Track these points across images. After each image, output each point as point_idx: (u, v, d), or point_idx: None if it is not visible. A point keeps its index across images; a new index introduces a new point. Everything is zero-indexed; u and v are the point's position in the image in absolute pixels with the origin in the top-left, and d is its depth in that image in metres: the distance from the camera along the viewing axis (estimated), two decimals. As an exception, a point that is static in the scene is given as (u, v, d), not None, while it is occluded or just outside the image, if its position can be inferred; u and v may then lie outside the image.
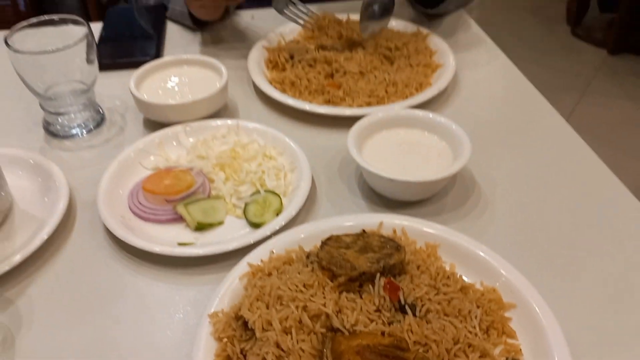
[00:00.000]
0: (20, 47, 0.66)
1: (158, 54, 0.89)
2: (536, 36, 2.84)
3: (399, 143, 0.66)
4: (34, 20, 0.70)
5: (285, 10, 0.88)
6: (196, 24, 0.95)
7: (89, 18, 2.55)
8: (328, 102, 0.77)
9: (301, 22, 0.88)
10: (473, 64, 0.87)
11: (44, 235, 0.57)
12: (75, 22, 0.72)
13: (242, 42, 0.93)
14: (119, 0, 2.66)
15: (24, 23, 0.69)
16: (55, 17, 0.71)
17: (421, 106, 0.73)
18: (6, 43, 0.66)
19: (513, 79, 0.85)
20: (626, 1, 2.47)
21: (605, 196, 0.64)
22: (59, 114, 0.72)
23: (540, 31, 2.88)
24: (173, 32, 0.97)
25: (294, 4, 0.88)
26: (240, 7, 1.01)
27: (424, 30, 0.89)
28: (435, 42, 0.87)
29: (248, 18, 1.00)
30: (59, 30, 0.72)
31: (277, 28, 0.92)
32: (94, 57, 0.71)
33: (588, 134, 2.25)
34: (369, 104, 0.75)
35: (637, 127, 2.21)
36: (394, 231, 0.56)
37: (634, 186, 0.67)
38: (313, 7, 0.92)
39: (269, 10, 1.00)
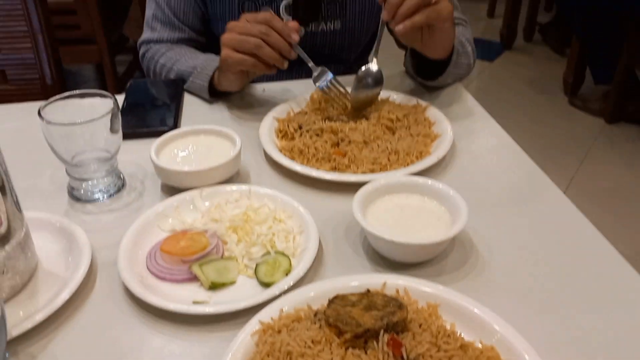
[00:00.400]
0: (52, 119, 0.72)
1: (176, 124, 0.95)
2: (534, 106, 2.94)
3: (400, 208, 0.70)
4: (66, 94, 0.76)
5: (323, 87, 0.94)
6: (212, 96, 1.02)
7: (105, 89, 2.67)
8: (334, 169, 0.82)
9: (336, 99, 0.94)
10: (469, 133, 0.92)
11: (65, 295, 0.60)
12: (101, 95, 0.78)
13: (253, 113, 0.99)
14: (133, 72, 2.80)
15: (58, 97, 0.75)
16: (84, 91, 0.78)
17: (421, 173, 0.78)
18: (39, 115, 0.72)
19: (507, 149, 0.90)
20: (620, 74, 2.57)
21: (599, 262, 0.67)
22: (83, 179, 0.77)
23: (538, 101, 2.98)
24: (190, 102, 1.04)
25: (334, 82, 0.94)
26: (253, 80, 1.09)
27: (423, 103, 0.96)
28: (434, 113, 0.93)
29: (259, 91, 1.07)
30: (86, 102, 0.79)
31: (286, 100, 0.99)
32: (119, 127, 0.77)
33: (588, 201, 2.31)
34: (372, 171, 0.80)
35: (635, 194, 2.25)
36: (397, 291, 0.59)
37: (633, 252, 0.70)
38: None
39: (278, 84, 1.08)
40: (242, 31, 0.89)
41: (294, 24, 0.90)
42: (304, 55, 0.94)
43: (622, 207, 2.16)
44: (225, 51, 0.91)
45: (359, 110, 0.93)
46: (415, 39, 0.90)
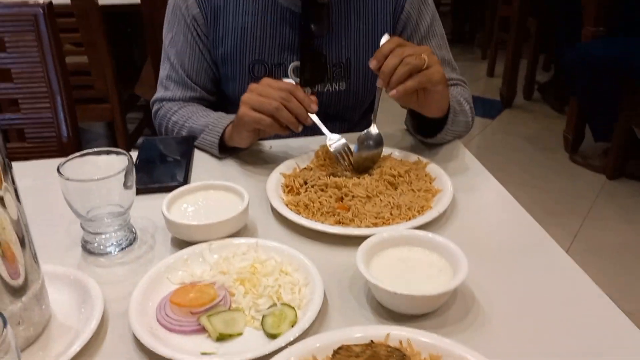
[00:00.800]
0: (70, 175, 0.76)
1: (186, 179, 0.99)
2: (536, 162, 2.99)
3: (403, 260, 0.73)
4: (83, 152, 0.80)
5: (339, 155, 0.99)
6: (222, 152, 1.07)
7: (115, 145, 2.75)
8: (338, 222, 0.85)
9: (345, 164, 0.99)
10: (469, 188, 0.95)
11: (77, 347, 0.62)
12: (116, 153, 0.82)
13: (261, 168, 1.03)
14: (143, 129, 2.88)
15: (76, 154, 0.80)
16: (100, 149, 0.82)
17: (423, 227, 0.81)
18: (58, 172, 0.76)
19: (506, 204, 0.93)
20: (619, 132, 2.63)
21: (599, 316, 0.68)
22: (97, 234, 0.80)
23: (539, 158, 3.03)
24: (200, 158, 1.08)
25: (347, 151, 0.99)
26: (260, 138, 1.13)
27: (424, 160, 1.00)
28: (434, 169, 0.97)
29: (267, 148, 1.11)
30: (101, 159, 0.83)
31: (292, 157, 1.03)
32: (132, 183, 0.81)
33: (593, 257, 2.31)
34: (375, 225, 0.83)
35: (638, 250, 2.26)
36: (400, 342, 0.60)
37: (635, 309, 0.71)
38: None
39: (284, 141, 1.12)
40: (263, 93, 0.94)
41: (314, 97, 0.96)
42: (320, 124, 0.99)
43: (626, 263, 2.16)
44: (244, 109, 0.96)
45: (361, 170, 0.97)
46: (412, 101, 0.96)
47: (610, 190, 2.68)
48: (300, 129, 0.96)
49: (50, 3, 1.14)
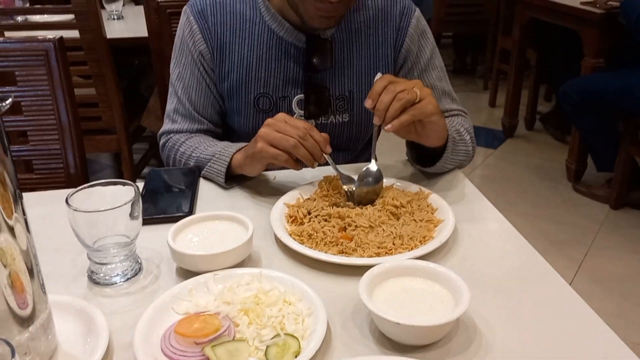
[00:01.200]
0: (78, 206, 0.77)
1: (191, 210, 1.00)
2: (539, 192, 2.99)
3: (405, 290, 0.73)
4: (91, 183, 0.82)
5: (344, 186, 1.01)
6: (228, 181, 1.08)
7: (121, 175, 2.78)
8: (341, 252, 0.86)
9: (354, 199, 1.00)
10: (470, 218, 0.96)
11: (81, 377, 0.63)
12: (123, 184, 0.84)
13: (265, 198, 1.05)
14: (149, 160, 2.91)
15: (84, 186, 0.81)
16: (107, 180, 0.84)
17: (425, 257, 0.82)
18: (67, 202, 0.77)
19: (507, 234, 0.94)
20: (621, 163, 2.64)
21: (600, 347, 0.69)
22: (103, 264, 0.81)
23: (542, 187, 3.04)
24: (205, 189, 1.10)
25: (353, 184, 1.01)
26: (266, 168, 1.15)
27: (426, 190, 1.01)
28: (436, 200, 0.98)
29: (270, 178, 1.13)
30: (109, 190, 0.84)
31: (295, 187, 1.05)
32: (139, 213, 0.82)
33: (597, 287, 2.30)
34: (378, 255, 0.84)
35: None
36: (403, 372, 0.61)
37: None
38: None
39: (288, 172, 1.14)
40: (280, 129, 0.97)
41: (327, 137, 0.98)
42: (333, 164, 1.01)
43: (631, 294, 2.15)
44: (261, 144, 0.98)
45: (363, 204, 0.98)
46: (410, 133, 0.98)
47: (614, 220, 2.67)
48: (315, 165, 0.98)
49: (61, 38, 1.18)
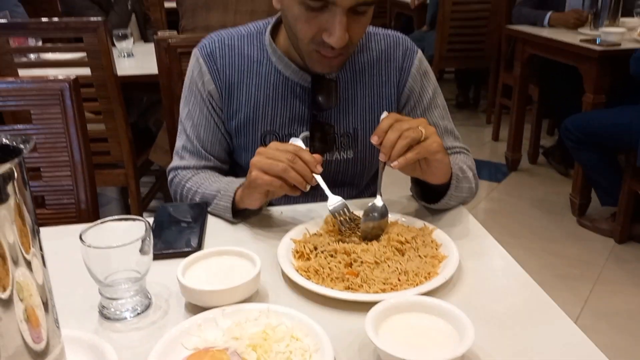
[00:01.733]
0: (91, 242, 0.79)
1: (200, 245, 1.02)
2: (544, 226, 3.00)
3: (411, 326, 0.74)
4: (105, 219, 0.85)
5: (336, 214, 1.03)
6: (235, 216, 1.10)
7: (128, 208, 2.80)
8: (348, 288, 0.87)
9: (344, 227, 1.02)
10: (474, 254, 0.98)
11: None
12: (133, 219, 0.86)
13: (272, 234, 1.07)
14: (156, 194, 2.94)
15: (98, 222, 0.84)
16: (119, 217, 0.86)
17: (430, 293, 0.83)
18: (81, 238, 0.79)
19: (511, 270, 0.95)
20: (625, 198, 2.65)
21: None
22: (113, 299, 0.83)
23: (547, 221, 3.04)
24: (213, 224, 1.12)
25: (346, 211, 1.03)
26: (271, 203, 1.17)
27: (430, 226, 1.03)
28: (440, 235, 1.00)
29: (277, 213, 1.15)
30: (120, 225, 0.87)
31: (302, 223, 1.07)
32: (149, 249, 0.84)
33: (604, 323, 2.29)
34: (383, 291, 0.85)
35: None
36: (409, 408, 0.62)
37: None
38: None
39: (294, 207, 1.16)
40: (271, 156, 0.99)
41: (318, 157, 1.00)
42: (324, 185, 1.03)
43: (638, 330, 2.13)
44: (255, 172, 1.00)
45: (368, 239, 1.00)
46: (415, 170, 1.01)
47: (619, 254, 2.67)
48: (307, 187, 1.00)
49: (76, 79, 1.22)
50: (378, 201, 1.04)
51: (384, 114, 1.01)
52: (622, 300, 2.35)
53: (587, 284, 2.45)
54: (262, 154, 1.01)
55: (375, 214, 1.02)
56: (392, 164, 0.95)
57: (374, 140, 0.97)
